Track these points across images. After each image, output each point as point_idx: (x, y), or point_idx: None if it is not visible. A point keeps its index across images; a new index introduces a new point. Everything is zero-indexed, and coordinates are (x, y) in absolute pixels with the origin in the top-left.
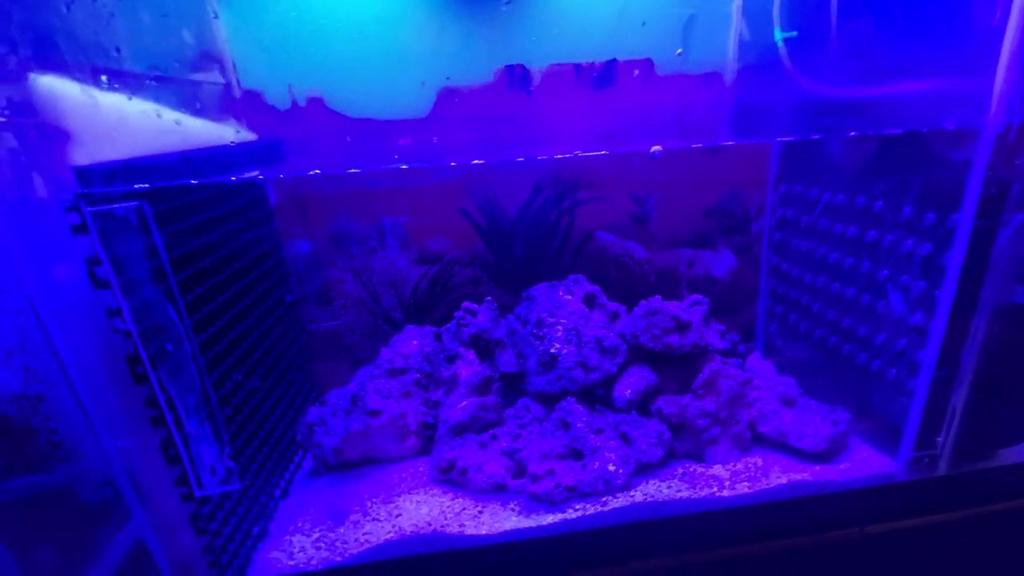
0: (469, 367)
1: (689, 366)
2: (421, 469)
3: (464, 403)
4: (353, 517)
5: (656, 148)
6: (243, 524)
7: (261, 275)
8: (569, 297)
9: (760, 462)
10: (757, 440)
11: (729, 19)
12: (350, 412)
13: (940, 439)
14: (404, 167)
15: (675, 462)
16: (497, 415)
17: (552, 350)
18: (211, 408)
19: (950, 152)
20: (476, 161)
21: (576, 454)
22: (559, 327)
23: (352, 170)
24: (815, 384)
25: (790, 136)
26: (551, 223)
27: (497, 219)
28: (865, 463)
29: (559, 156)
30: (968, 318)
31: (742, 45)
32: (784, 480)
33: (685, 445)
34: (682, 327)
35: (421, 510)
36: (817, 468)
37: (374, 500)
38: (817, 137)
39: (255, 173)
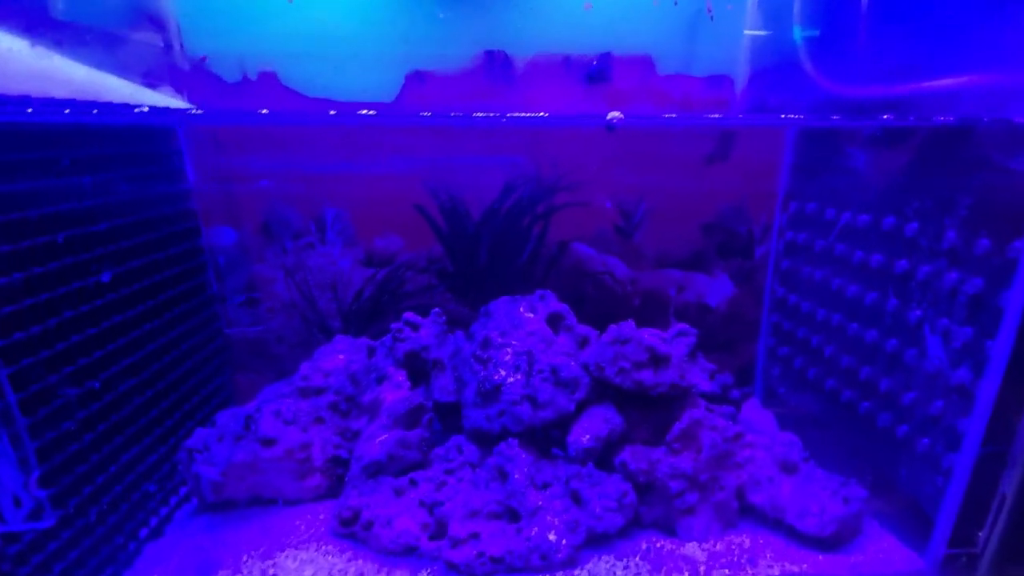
0: (396, 391)
1: (665, 411)
2: (322, 516)
3: (383, 436)
4: (222, 574)
5: (614, 115)
6: (77, 572)
7: (158, 263)
8: (531, 315)
9: (747, 542)
10: (746, 512)
11: (742, 15)
12: (240, 438)
13: (983, 534)
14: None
15: (639, 533)
16: (422, 455)
17: (495, 378)
18: (13, 426)
19: (1013, 158)
20: (424, 114)
21: (511, 514)
22: (508, 350)
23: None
24: (824, 446)
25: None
26: (522, 229)
27: (460, 220)
28: (883, 557)
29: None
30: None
31: (755, 45)
32: (776, 571)
33: (654, 511)
34: (658, 361)
35: (304, 572)
36: (820, 558)
37: (251, 554)
38: (846, 126)
39: (142, 108)
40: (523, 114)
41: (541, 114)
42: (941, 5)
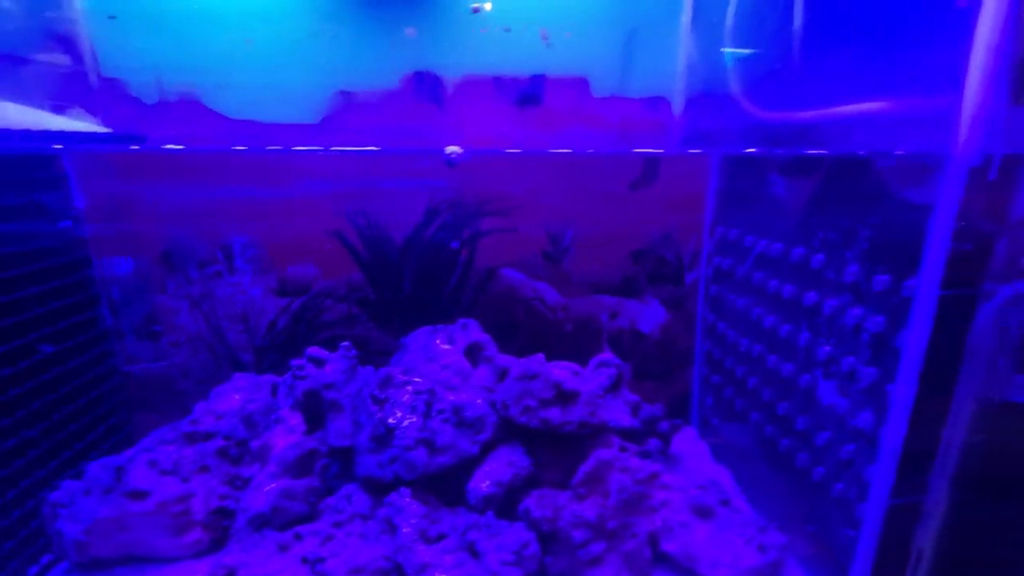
0: (287, 436)
1: (576, 451)
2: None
3: (270, 486)
4: None
5: (453, 150)
6: None
7: (41, 296)
8: (447, 347)
9: None
10: (660, 561)
11: (677, 35)
12: (109, 491)
13: None
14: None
15: None
16: (309, 506)
17: (390, 420)
18: None
19: (908, 190)
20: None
21: (399, 571)
22: (408, 388)
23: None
24: (757, 481)
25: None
26: (448, 255)
27: (381, 247)
28: None
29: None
30: (937, 425)
31: (692, 67)
32: None
33: (559, 563)
34: (567, 398)
35: None
36: None
37: None
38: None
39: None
40: (346, 147)
41: (369, 147)
42: (858, 32)
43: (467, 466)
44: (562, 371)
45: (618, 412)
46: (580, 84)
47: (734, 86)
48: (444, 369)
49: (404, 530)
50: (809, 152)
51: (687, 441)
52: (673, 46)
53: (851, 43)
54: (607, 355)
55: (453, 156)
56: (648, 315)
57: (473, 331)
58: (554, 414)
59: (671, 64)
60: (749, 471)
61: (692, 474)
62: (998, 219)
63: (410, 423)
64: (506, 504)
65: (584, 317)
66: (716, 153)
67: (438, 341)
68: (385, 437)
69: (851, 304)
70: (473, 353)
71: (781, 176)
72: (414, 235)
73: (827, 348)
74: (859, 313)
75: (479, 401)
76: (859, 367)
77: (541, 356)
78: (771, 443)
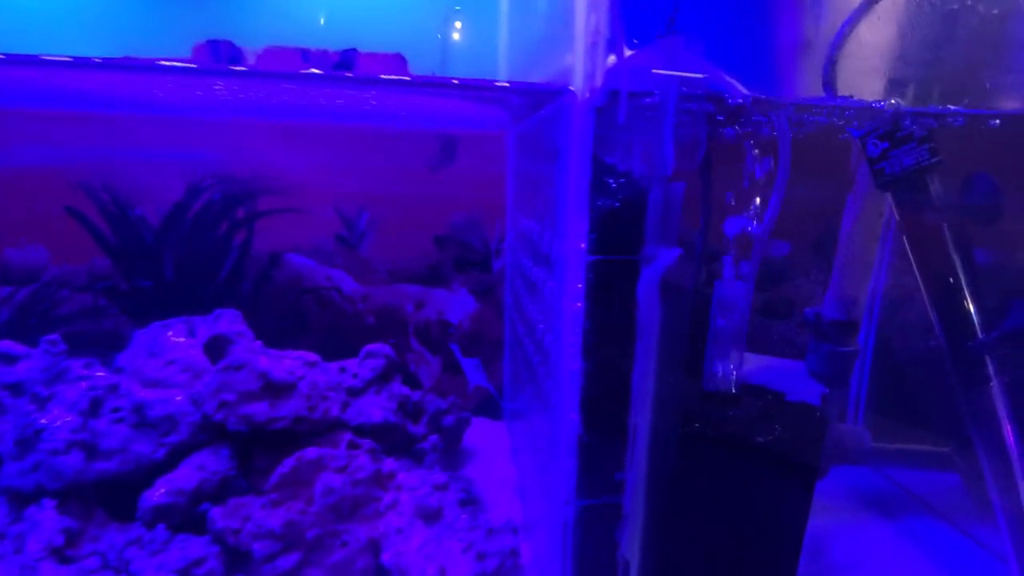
0: None
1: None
2: None
3: None
4: None
5: None
6: None
7: None
8: (181, 340)
9: None
10: (379, 574)
11: (498, 15)
12: None
13: None
14: None
15: None
16: None
17: (42, 420)
18: None
19: (549, 139)
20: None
21: None
22: (82, 384)
23: None
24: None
25: None
26: (219, 238)
27: (133, 228)
28: None
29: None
30: (617, 413)
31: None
32: None
33: None
34: (277, 390)
35: None
36: None
37: None
38: None
39: None
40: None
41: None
42: None
43: (151, 473)
44: (273, 361)
45: (376, 407)
46: (396, 60)
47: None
48: (168, 366)
49: (31, 548)
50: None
51: (485, 437)
52: (495, 25)
53: None
54: (376, 345)
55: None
56: (456, 305)
57: (225, 323)
58: (260, 409)
59: (493, 44)
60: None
61: (457, 472)
62: (644, 171)
63: (63, 423)
64: (191, 515)
65: (387, 308)
66: (514, 130)
67: (171, 334)
68: (32, 440)
69: (547, 274)
70: (219, 347)
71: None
72: (174, 214)
73: (542, 327)
74: (543, 278)
75: (179, 398)
76: (548, 348)
77: (250, 344)
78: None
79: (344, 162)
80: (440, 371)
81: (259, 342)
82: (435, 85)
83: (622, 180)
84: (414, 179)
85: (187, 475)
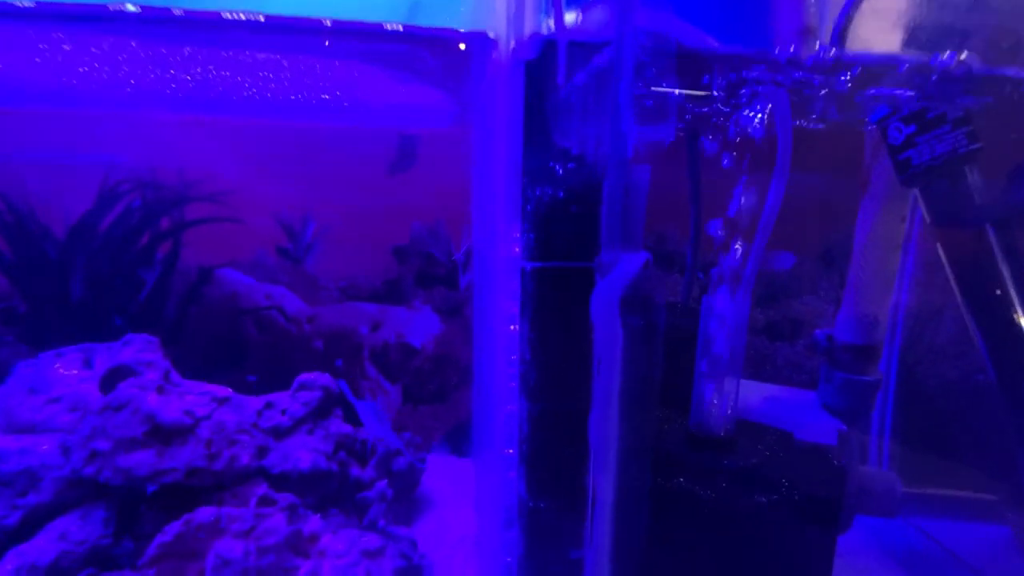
0: None
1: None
2: None
3: None
4: None
5: None
6: None
7: None
8: (72, 372)
9: None
10: None
11: None
12: None
13: None
14: None
15: None
16: None
17: None
18: None
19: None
20: None
21: None
22: None
23: None
24: None
25: None
26: (139, 252)
27: (33, 239)
28: None
29: None
30: (566, 455)
31: None
32: None
33: None
34: (167, 435)
35: None
36: None
37: None
38: None
39: None
40: None
41: None
42: None
43: (3, 542)
44: (163, 401)
45: (306, 450)
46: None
47: None
48: (49, 404)
49: None
50: None
51: (452, 479)
52: None
53: None
54: (312, 375)
55: None
56: (419, 325)
57: (133, 351)
58: (142, 460)
59: None
60: None
61: (410, 525)
62: (597, 151)
63: None
64: None
65: (337, 330)
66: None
67: (59, 366)
68: None
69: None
70: (117, 381)
71: None
72: (82, 224)
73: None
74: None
75: (45, 447)
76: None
77: (135, 378)
78: None
79: (287, 164)
80: (400, 402)
81: (176, 374)
82: (307, 31)
83: (570, 164)
84: (369, 183)
85: (43, 546)
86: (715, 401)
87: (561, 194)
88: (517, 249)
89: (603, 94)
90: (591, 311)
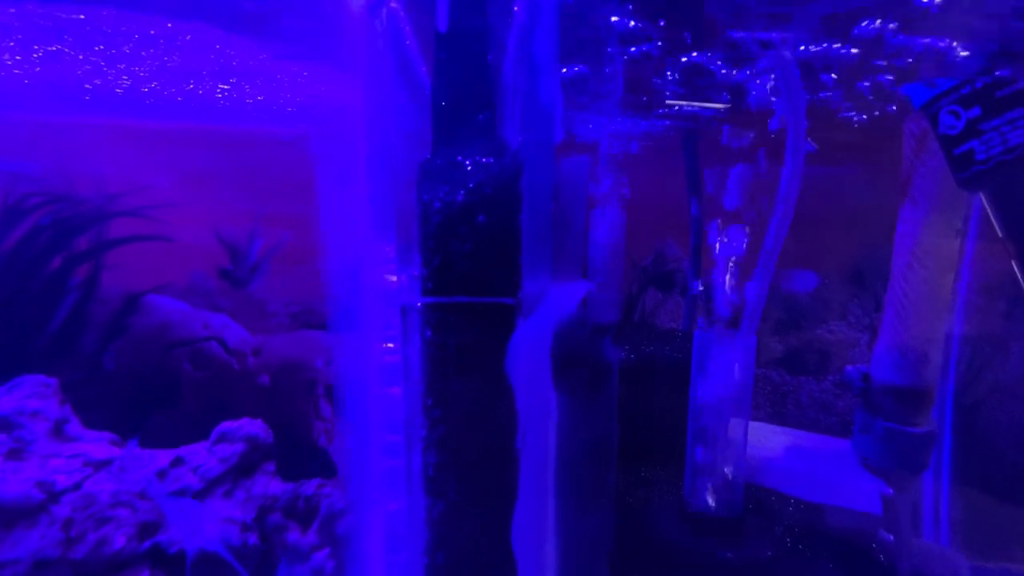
0: None
1: None
2: None
3: None
4: None
5: None
6: None
7: None
8: None
9: None
10: None
11: None
12: None
13: None
14: None
15: None
16: None
17: None
18: None
19: None
20: None
21: None
22: None
23: None
24: None
25: None
26: (50, 277)
27: None
28: None
29: None
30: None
31: None
32: None
33: None
34: (8, 516)
35: None
36: None
37: None
38: None
39: None
40: None
41: None
42: None
43: None
44: (134, 466)
45: (215, 521)
46: None
47: None
48: None
49: None
50: None
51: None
52: None
53: None
54: (236, 423)
55: None
56: None
57: (19, 397)
58: None
59: None
60: None
61: None
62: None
63: None
64: None
65: (287, 363)
66: None
67: None
68: None
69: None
70: None
71: None
72: None
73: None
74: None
75: None
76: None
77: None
78: None
79: (228, 173)
80: None
81: (76, 423)
82: None
83: (480, 157)
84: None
85: None
86: (714, 468)
87: (459, 198)
88: (394, 278)
89: (522, 51)
90: (506, 365)
